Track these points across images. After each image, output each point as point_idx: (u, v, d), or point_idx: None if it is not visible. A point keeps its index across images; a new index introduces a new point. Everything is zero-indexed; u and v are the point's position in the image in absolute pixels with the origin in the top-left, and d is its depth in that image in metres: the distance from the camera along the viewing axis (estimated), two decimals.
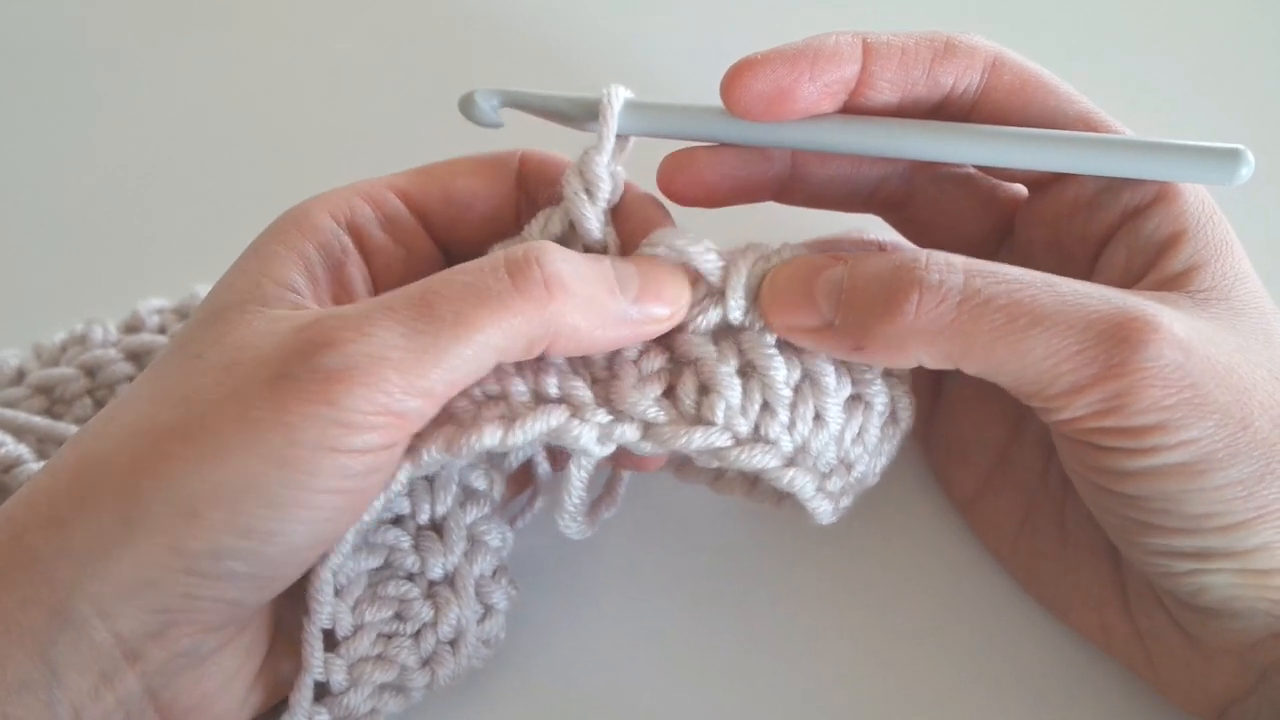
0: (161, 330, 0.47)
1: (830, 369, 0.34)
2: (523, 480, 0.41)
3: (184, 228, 0.52)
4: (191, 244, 0.50)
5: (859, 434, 0.35)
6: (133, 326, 0.47)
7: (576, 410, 0.32)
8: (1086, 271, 0.35)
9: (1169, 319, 0.30)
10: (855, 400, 0.35)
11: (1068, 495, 0.38)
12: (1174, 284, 0.33)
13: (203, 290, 0.48)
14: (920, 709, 0.38)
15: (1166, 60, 0.58)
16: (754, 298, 0.34)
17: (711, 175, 0.36)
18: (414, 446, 0.32)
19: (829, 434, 0.34)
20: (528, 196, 0.38)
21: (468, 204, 0.37)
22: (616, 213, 0.36)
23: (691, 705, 0.38)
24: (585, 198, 0.34)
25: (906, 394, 0.36)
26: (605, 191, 0.35)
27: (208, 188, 0.54)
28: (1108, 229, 0.35)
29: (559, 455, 0.40)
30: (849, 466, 0.35)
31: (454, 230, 0.37)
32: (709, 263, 0.33)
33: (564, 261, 0.31)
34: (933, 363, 0.32)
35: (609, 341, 0.32)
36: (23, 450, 0.42)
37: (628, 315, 0.32)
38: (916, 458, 0.43)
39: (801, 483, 0.34)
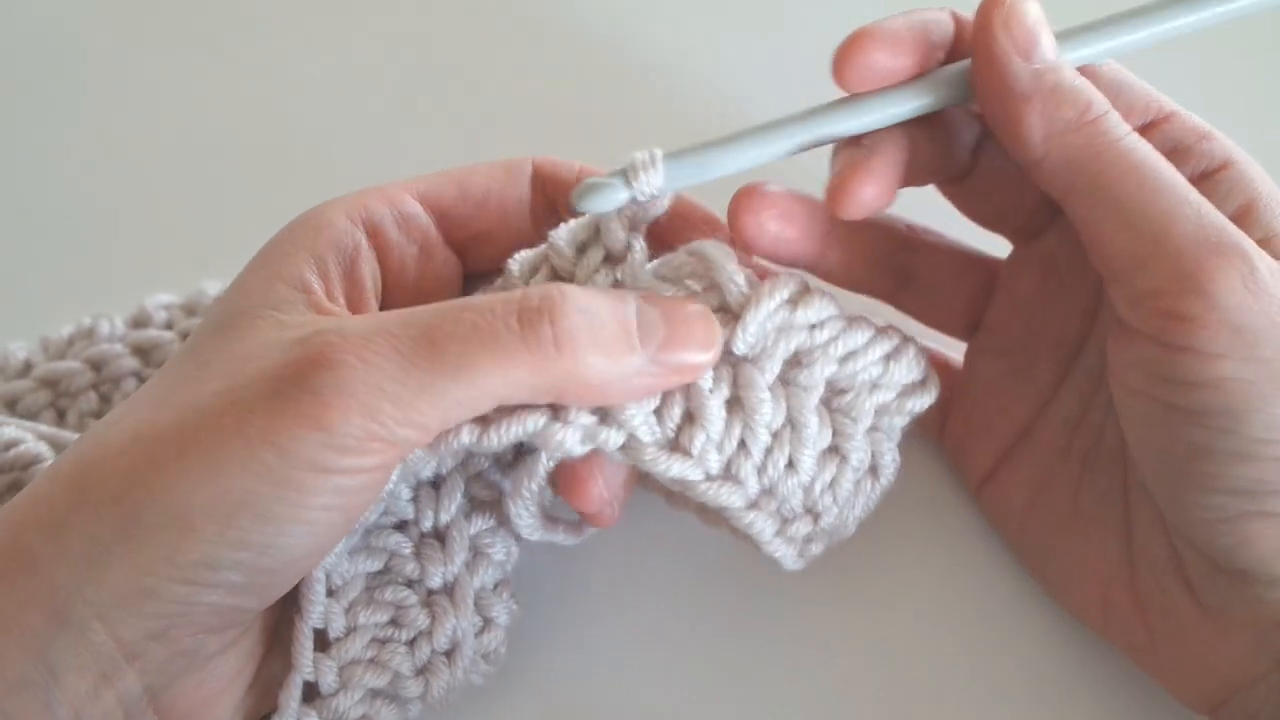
0: (169, 326, 0.47)
1: (814, 420, 0.33)
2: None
3: (193, 223, 0.52)
4: (200, 240, 0.50)
5: (830, 484, 0.35)
6: (140, 322, 0.47)
7: (559, 413, 0.31)
8: None
9: (1260, 256, 0.31)
10: (832, 452, 0.34)
11: (1085, 474, 0.38)
12: None
13: (211, 286, 0.48)
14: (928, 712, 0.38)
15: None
16: (764, 335, 0.33)
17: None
18: None
19: (797, 481, 0.34)
20: (545, 200, 0.38)
21: (483, 199, 0.37)
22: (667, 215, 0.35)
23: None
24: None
25: (892, 450, 0.36)
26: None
27: (217, 183, 0.54)
28: None
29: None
30: (815, 516, 0.35)
31: (470, 227, 0.37)
32: (735, 286, 0.33)
33: (580, 313, 0.30)
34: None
35: (626, 394, 0.31)
36: (42, 448, 0.42)
37: (648, 369, 0.31)
38: (919, 461, 0.42)
39: (760, 526, 0.34)
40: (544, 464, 0.33)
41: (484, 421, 0.31)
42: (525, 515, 0.35)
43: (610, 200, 0.33)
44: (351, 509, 0.30)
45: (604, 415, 0.32)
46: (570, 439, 0.31)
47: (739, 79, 0.55)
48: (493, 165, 0.37)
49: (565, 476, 0.34)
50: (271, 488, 0.28)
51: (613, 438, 0.31)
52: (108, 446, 0.29)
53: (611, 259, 0.34)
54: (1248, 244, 0.31)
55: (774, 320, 0.33)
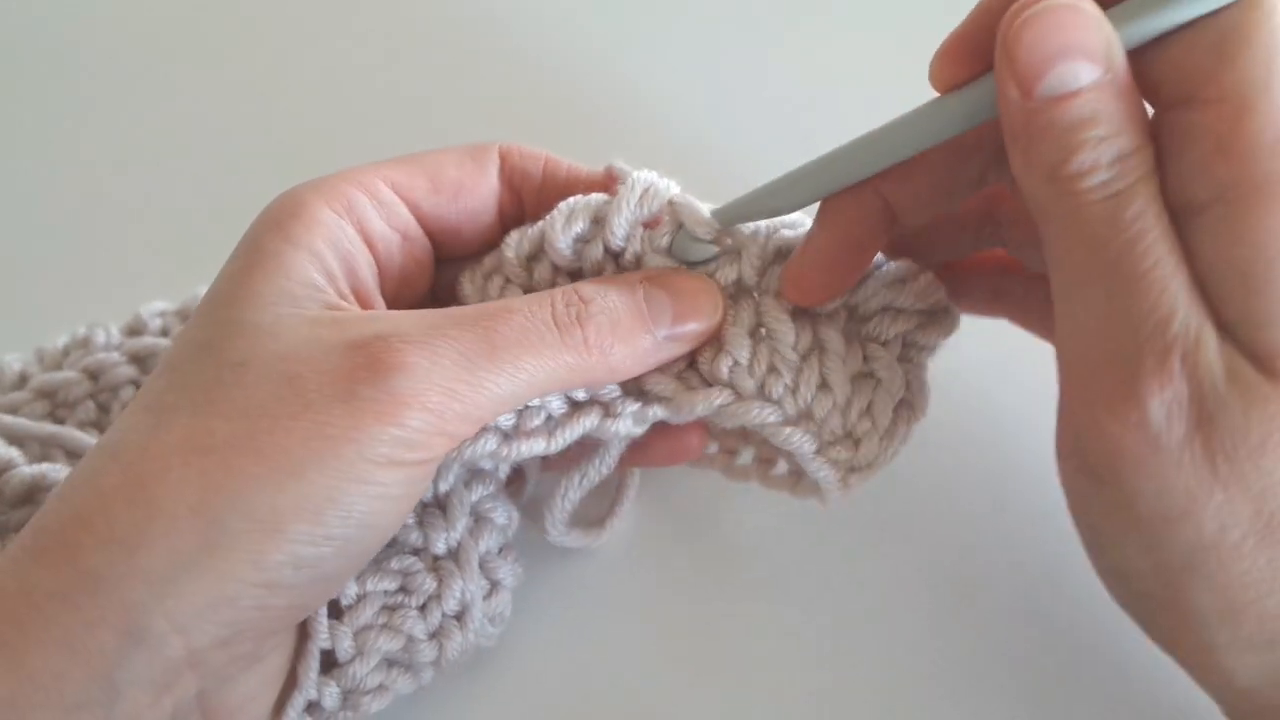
0: (164, 333, 0.47)
1: (839, 338, 0.35)
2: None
3: (187, 230, 0.52)
4: (194, 246, 0.48)
5: (867, 409, 0.35)
6: (135, 329, 0.47)
7: (608, 408, 0.35)
8: None
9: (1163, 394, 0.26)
10: (867, 376, 0.36)
11: None
12: None
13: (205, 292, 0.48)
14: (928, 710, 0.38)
15: None
16: (770, 262, 0.35)
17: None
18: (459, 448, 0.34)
19: (832, 401, 0.35)
20: (511, 189, 0.39)
21: (454, 194, 0.38)
22: None
23: (692, 698, 0.39)
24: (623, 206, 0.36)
25: (923, 380, 0.37)
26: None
27: (211, 190, 0.54)
28: None
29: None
30: (856, 442, 0.36)
31: (441, 219, 0.38)
32: (743, 229, 0.35)
33: (603, 313, 0.33)
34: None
35: (644, 368, 0.35)
36: (14, 454, 0.41)
37: (661, 344, 0.34)
38: (918, 459, 0.42)
39: (799, 440, 0.35)
40: (617, 447, 0.37)
41: (547, 432, 0.34)
42: (568, 503, 0.38)
43: (702, 253, 0.36)
44: (412, 499, 0.32)
45: (643, 395, 0.35)
46: (625, 426, 0.35)
47: (709, 82, 0.57)
48: (461, 155, 0.38)
49: (669, 439, 0.38)
50: (353, 484, 0.29)
51: (659, 412, 0.35)
52: (164, 459, 0.29)
53: (610, 252, 0.36)
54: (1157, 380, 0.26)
55: (773, 242, 0.35)
